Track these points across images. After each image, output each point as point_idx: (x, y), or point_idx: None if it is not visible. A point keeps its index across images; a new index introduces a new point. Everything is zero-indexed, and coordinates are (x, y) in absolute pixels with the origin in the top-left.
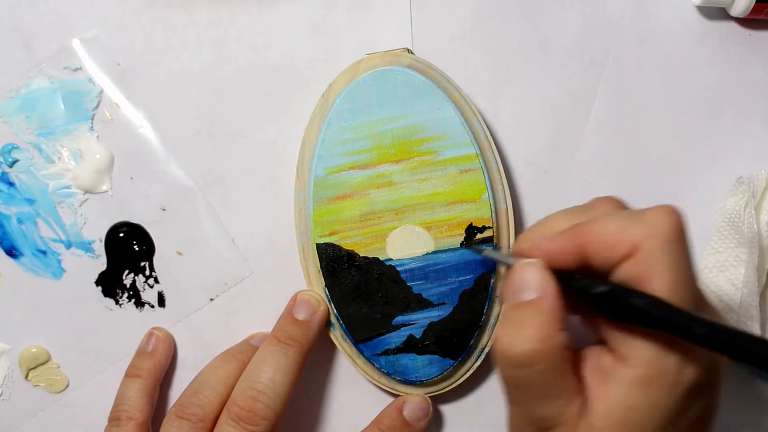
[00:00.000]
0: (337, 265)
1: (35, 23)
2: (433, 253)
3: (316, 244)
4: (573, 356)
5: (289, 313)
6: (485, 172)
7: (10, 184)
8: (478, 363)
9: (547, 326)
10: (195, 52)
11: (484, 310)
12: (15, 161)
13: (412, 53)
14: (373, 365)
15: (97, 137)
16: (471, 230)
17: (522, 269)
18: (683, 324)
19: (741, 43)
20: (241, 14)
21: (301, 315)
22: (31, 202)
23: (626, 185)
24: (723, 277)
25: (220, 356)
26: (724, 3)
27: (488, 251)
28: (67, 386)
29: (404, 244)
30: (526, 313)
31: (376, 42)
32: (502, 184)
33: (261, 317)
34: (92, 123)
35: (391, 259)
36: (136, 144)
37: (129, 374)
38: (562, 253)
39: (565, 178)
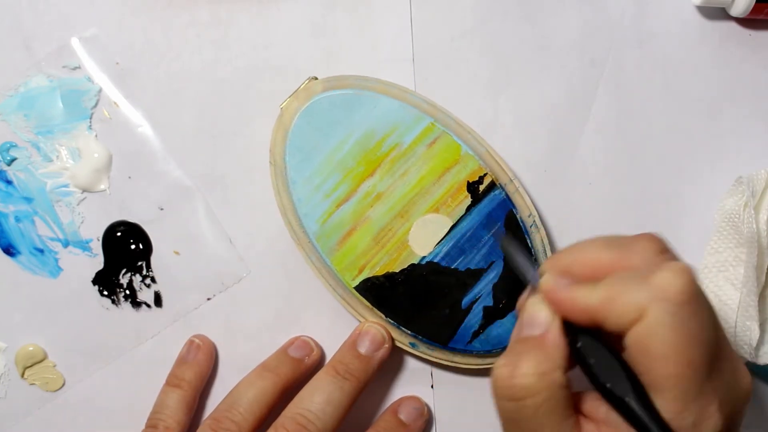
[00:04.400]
0: (383, 293)
1: (35, 23)
2: (454, 227)
3: (354, 288)
4: (573, 399)
5: (352, 345)
6: (450, 132)
7: (8, 182)
8: None
9: (546, 362)
10: (195, 52)
11: (530, 245)
12: (13, 159)
13: (317, 78)
14: (471, 353)
15: (96, 136)
16: (472, 187)
17: (534, 307)
18: None
19: (741, 43)
20: (241, 14)
21: (363, 349)
22: (29, 200)
23: (626, 185)
24: (722, 276)
25: (256, 370)
26: (724, 3)
27: (519, 260)
28: (63, 385)
29: (426, 237)
30: (527, 347)
31: (377, 42)
32: (469, 132)
33: (261, 317)
34: (91, 122)
35: (424, 257)
36: (135, 143)
37: (169, 383)
38: (576, 311)
39: (565, 178)
